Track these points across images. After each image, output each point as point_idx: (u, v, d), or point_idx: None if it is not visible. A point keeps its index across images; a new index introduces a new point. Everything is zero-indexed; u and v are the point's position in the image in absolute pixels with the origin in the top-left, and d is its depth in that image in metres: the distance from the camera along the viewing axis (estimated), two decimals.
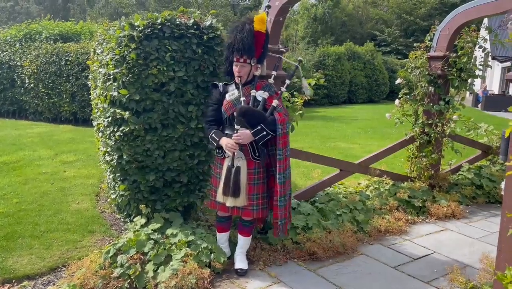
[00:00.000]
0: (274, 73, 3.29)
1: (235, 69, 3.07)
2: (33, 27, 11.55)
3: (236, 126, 2.99)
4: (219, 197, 3.07)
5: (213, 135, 3.10)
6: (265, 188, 3.20)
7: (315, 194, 4.35)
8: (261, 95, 3.07)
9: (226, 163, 3.05)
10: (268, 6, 3.67)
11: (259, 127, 2.97)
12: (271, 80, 3.21)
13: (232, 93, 3.11)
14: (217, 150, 3.19)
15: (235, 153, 3.01)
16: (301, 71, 3.39)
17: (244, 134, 2.97)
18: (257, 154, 3.10)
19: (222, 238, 3.35)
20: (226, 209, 3.15)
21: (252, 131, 2.97)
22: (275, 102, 3.05)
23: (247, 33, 2.99)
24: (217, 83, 3.24)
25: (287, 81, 3.31)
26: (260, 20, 3.01)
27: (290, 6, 3.90)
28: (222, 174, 3.06)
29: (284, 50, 3.72)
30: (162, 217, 3.46)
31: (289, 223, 3.32)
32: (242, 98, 3.02)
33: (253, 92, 3.06)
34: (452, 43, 4.81)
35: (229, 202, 3.04)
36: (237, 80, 3.08)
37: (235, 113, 3.02)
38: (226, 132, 3.10)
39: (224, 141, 3.01)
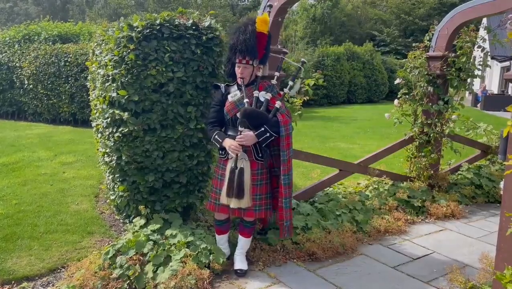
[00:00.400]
0: (277, 74, 3.29)
1: (238, 70, 3.07)
2: (32, 28, 11.55)
3: (239, 128, 2.99)
4: (223, 199, 3.06)
5: (216, 136, 3.09)
6: (268, 188, 3.19)
7: (315, 194, 4.36)
8: (263, 96, 3.07)
9: (229, 164, 3.05)
10: (270, 6, 3.68)
11: (262, 129, 2.96)
12: (273, 81, 3.21)
13: (234, 94, 3.11)
14: (220, 152, 3.19)
15: (238, 154, 3.01)
16: (302, 73, 3.39)
17: (247, 136, 2.97)
18: (260, 155, 3.10)
19: (222, 239, 3.34)
20: (226, 211, 3.14)
21: (255, 133, 2.97)
22: (278, 104, 3.04)
23: (250, 34, 2.99)
24: (219, 84, 3.24)
25: (290, 83, 3.31)
26: (262, 21, 3.02)
27: (289, 6, 3.91)
28: (226, 175, 3.06)
29: (287, 51, 3.73)
30: (161, 218, 3.46)
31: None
32: (246, 100, 3.02)
33: (255, 93, 3.06)
34: (451, 43, 4.81)
35: (233, 203, 3.03)
36: (239, 81, 3.08)
37: (238, 115, 3.02)
38: (229, 133, 3.09)
39: (228, 143, 3.01)
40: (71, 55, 10.01)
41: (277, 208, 3.25)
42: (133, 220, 3.54)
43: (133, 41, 3.25)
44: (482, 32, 5.29)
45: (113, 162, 3.58)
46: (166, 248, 3.13)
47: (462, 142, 5.39)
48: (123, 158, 3.46)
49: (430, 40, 4.98)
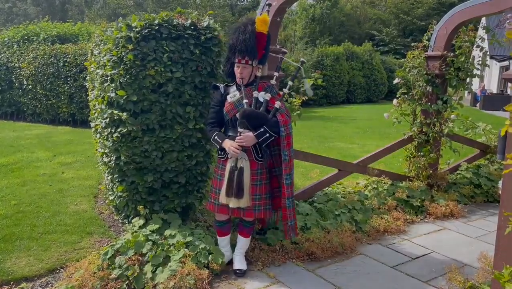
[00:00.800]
0: (276, 74, 3.29)
1: (237, 70, 3.07)
2: (31, 29, 11.55)
3: (239, 129, 2.99)
4: (222, 199, 3.05)
5: (215, 137, 3.09)
6: (268, 188, 3.19)
7: (314, 194, 4.35)
8: (263, 96, 3.06)
9: (229, 164, 3.05)
10: (269, 5, 3.67)
11: (262, 129, 2.96)
12: (273, 81, 3.21)
13: (234, 94, 3.10)
14: (219, 152, 3.19)
15: (238, 155, 3.01)
16: (303, 72, 3.39)
17: (247, 136, 2.97)
18: (260, 155, 3.10)
19: (223, 241, 3.32)
20: (225, 211, 3.13)
21: (255, 134, 2.97)
22: (277, 104, 3.04)
23: (249, 34, 2.98)
24: (218, 84, 3.24)
25: (290, 83, 3.31)
26: (262, 21, 3.02)
27: (288, 6, 3.90)
28: (225, 175, 3.05)
29: (286, 51, 3.73)
30: (160, 218, 3.45)
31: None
32: (245, 101, 3.02)
33: (255, 94, 3.06)
34: (449, 42, 4.82)
35: (232, 203, 3.03)
36: (238, 81, 3.08)
37: (237, 116, 3.01)
38: (229, 134, 3.09)
39: (228, 144, 3.00)
40: (70, 56, 10.01)
41: (279, 208, 3.25)
42: (132, 221, 3.54)
43: (131, 41, 3.24)
44: (481, 32, 5.29)
45: (112, 162, 3.58)
46: (165, 248, 3.13)
47: (461, 141, 5.39)
48: (122, 158, 3.45)
49: (429, 39, 4.98)
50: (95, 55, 4.08)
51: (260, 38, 3.03)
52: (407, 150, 5.21)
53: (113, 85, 3.39)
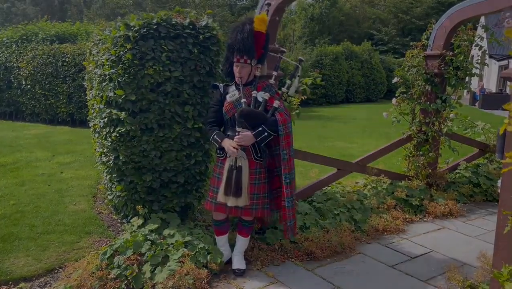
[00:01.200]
0: (275, 73, 3.29)
1: (236, 69, 3.06)
2: (29, 28, 11.53)
3: (237, 128, 2.99)
4: (220, 197, 3.05)
5: (215, 136, 3.09)
6: (267, 188, 3.19)
7: (313, 193, 4.35)
8: (262, 96, 3.06)
9: (228, 163, 3.04)
10: (268, 4, 3.66)
11: (260, 128, 2.96)
12: (272, 81, 3.20)
13: (233, 94, 3.10)
14: (218, 151, 3.19)
15: (237, 154, 3.01)
16: (300, 71, 3.38)
17: (245, 136, 2.97)
18: (259, 154, 3.10)
19: (221, 240, 3.32)
20: (223, 210, 3.13)
21: (253, 133, 2.97)
22: (276, 103, 3.04)
23: (248, 33, 2.98)
24: (217, 84, 3.24)
25: (288, 82, 3.30)
26: (260, 21, 3.01)
27: (286, 5, 3.89)
28: (224, 174, 3.05)
29: (285, 50, 3.73)
30: (159, 217, 3.45)
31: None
32: (243, 100, 3.01)
33: (254, 93, 3.06)
34: (448, 41, 4.81)
35: (231, 202, 3.02)
36: (237, 80, 3.07)
37: (236, 115, 3.01)
38: (228, 133, 3.09)
39: (227, 143, 3.01)
40: (68, 55, 10.00)
41: (281, 208, 3.24)
42: (131, 220, 3.53)
43: (130, 41, 3.24)
44: (479, 31, 5.29)
45: (111, 162, 3.57)
46: (164, 248, 3.13)
47: (460, 140, 5.39)
48: (121, 158, 3.45)
49: (427, 39, 4.98)
50: (93, 55, 4.07)
51: (259, 37, 3.03)
52: (406, 149, 5.21)
53: (111, 84, 3.38)
